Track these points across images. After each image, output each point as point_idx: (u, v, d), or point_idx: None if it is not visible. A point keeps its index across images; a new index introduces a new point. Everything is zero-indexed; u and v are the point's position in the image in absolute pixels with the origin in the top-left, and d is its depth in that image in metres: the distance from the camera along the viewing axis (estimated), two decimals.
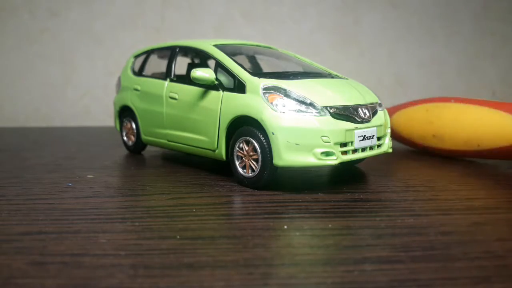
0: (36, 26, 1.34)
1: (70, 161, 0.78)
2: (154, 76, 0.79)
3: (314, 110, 0.57)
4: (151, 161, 0.79)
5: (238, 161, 0.61)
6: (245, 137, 0.59)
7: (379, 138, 0.62)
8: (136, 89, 0.79)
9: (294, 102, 0.57)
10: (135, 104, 0.79)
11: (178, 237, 0.42)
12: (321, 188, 0.60)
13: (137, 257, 0.38)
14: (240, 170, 0.60)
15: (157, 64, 0.83)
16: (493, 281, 0.34)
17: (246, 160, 0.60)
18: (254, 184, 0.59)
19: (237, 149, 0.60)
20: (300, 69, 0.71)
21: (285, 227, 0.45)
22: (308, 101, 0.57)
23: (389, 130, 0.65)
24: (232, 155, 0.61)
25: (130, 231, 0.44)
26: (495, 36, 1.44)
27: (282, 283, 0.33)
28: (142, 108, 0.77)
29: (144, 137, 0.79)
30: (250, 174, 0.59)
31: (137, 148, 0.83)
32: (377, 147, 0.62)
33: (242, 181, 0.60)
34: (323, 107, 0.57)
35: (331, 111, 0.57)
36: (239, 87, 0.61)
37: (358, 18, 1.40)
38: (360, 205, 0.53)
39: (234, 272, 0.35)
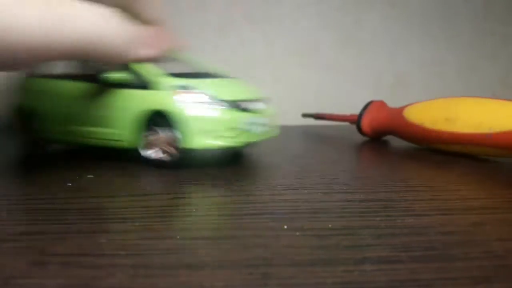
0: None
1: (70, 161, 0.78)
2: (60, 76, 0.80)
3: (216, 103, 0.69)
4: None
5: (152, 149, 0.71)
6: (158, 127, 0.70)
7: (267, 125, 0.76)
8: (40, 90, 0.81)
9: (200, 96, 0.69)
10: (38, 104, 0.80)
11: (178, 237, 0.42)
12: (321, 188, 0.60)
13: (137, 257, 0.38)
14: (154, 156, 0.71)
15: (64, 64, 0.83)
16: (493, 281, 0.34)
17: (160, 147, 0.70)
18: (168, 166, 0.70)
19: (151, 138, 0.70)
20: (199, 70, 0.82)
21: (285, 227, 0.45)
22: (211, 95, 0.70)
23: (273, 119, 0.79)
24: (146, 144, 0.71)
25: (130, 231, 0.44)
26: (495, 36, 1.44)
27: (282, 283, 0.33)
28: (46, 108, 0.79)
29: (47, 135, 0.81)
30: (164, 159, 0.70)
31: (37, 148, 0.85)
32: (266, 132, 0.77)
33: (158, 166, 0.71)
34: (223, 100, 0.70)
35: (230, 103, 0.70)
36: (149, 84, 0.71)
37: (358, 18, 1.40)
38: (360, 205, 0.53)
39: (234, 272, 0.35)
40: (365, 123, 1.04)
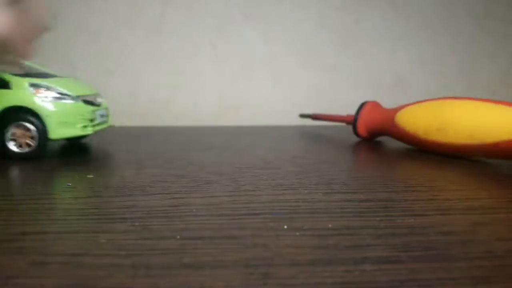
0: None
1: (70, 161, 0.78)
2: None
3: (70, 98, 0.80)
4: (151, 161, 0.79)
5: (12, 142, 0.78)
6: (18, 122, 0.77)
7: (107, 116, 0.92)
8: None
9: (55, 93, 0.79)
10: None
11: (178, 237, 0.42)
12: (320, 188, 0.60)
13: (137, 257, 0.38)
14: (15, 149, 0.78)
15: None
16: (493, 281, 0.34)
17: (21, 140, 0.78)
18: (30, 157, 0.78)
19: (12, 132, 0.77)
20: (36, 71, 0.89)
21: (285, 227, 0.45)
22: (65, 92, 0.80)
23: (109, 111, 0.95)
24: (3, 138, 0.78)
25: (130, 231, 0.44)
26: (495, 35, 1.44)
27: (282, 283, 0.33)
28: None
29: None
30: (26, 150, 0.78)
31: None
32: (107, 122, 0.93)
33: (18, 158, 0.78)
34: (76, 95, 0.81)
35: (81, 98, 0.83)
36: (2, 84, 0.77)
37: (358, 18, 1.40)
38: (360, 205, 0.53)
39: (234, 272, 0.35)
40: (361, 126, 1.04)
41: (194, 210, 0.50)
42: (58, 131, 0.78)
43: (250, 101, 1.41)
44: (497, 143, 0.70)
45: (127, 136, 1.10)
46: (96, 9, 1.35)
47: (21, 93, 0.77)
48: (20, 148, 0.78)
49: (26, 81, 0.78)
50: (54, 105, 0.78)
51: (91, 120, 0.84)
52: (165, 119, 1.41)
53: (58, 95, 0.79)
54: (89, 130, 0.82)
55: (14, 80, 0.78)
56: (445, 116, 0.79)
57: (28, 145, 0.78)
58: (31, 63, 0.96)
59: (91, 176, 0.66)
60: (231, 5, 1.37)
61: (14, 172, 0.70)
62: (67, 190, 0.58)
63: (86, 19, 1.35)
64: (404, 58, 1.42)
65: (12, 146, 0.78)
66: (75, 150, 0.90)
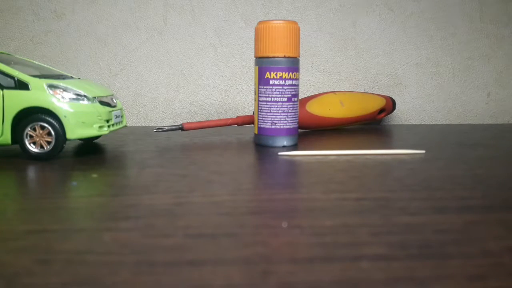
0: (40, 28, 1.35)
1: (74, 161, 0.78)
2: None
3: (87, 99, 0.81)
4: (154, 161, 0.80)
5: (30, 142, 0.79)
6: (36, 122, 0.78)
7: (122, 116, 0.93)
8: None
9: (72, 94, 0.80)
10: None
11: (180, 234, 0.43)
12: (318, 187, 0.61)
13: (140, 255, 0.38)
14: (32, 149, 0.79)
15: None
16: (488, 279, 0.34)
17: (38, 140, 0.79)
18: (48, 157, 0.79)
19: (29, 132, 0.79)
20: (50, 72, 0.91)
21: (284, 225, 0.46)
22: (82, 93, 0.81)
23: (123, 112, 0.94)
24: (22, 138, 0.79)
25: (134, 229, 0.45)
26: (490, 38, 1.45)
27: (281, 280, 0.34)
28: None
29: None
30: (45, 150, 0.79)
31: None
32: (122, 122, 0.93)
33: (36, 158, 0.79)
34: (93, 97, 0.83)
35: (98, 99, 0.84)
36: (21, 85, 0.79)
37: (355, 21, 1.41)
38: (356, 203, 0.53)
39: (234, 269, 0.36)
40: None
41: (195, 209, 0.51)
42: (75, 132, 0.79)
43: (250, 102, 1.42)
44: (371, 113, 1.26)
45: (130, 136, 1.11)
46: (101, 14, 1.35)
47: (40, 94, 0.78)
48: (38, 148, 0.79)
49: (44, 83, 0.79)
50: (72, 106, 0.79)
51: (107, 121, 0.85)
52: (167, 119, 1.42)
53: (75, 96, 0.80)
54: (105, 131, 0.83)
55: (32, 81, 0.79)
56: (344, 100, 1.20)
57: (46, 145, 0.79)
58: (43, 64, 0.95)
59: (95, 175, 0.67)
60: (231, 8, 1.38)
61: (24, 172, 0.71)
62: (72, 189, 0.59)
63: (92, 23, 1.36)
64: (400, 60, 1.43)
65: (30, 146, 0.79)
66: (81, 150, 0.91)
